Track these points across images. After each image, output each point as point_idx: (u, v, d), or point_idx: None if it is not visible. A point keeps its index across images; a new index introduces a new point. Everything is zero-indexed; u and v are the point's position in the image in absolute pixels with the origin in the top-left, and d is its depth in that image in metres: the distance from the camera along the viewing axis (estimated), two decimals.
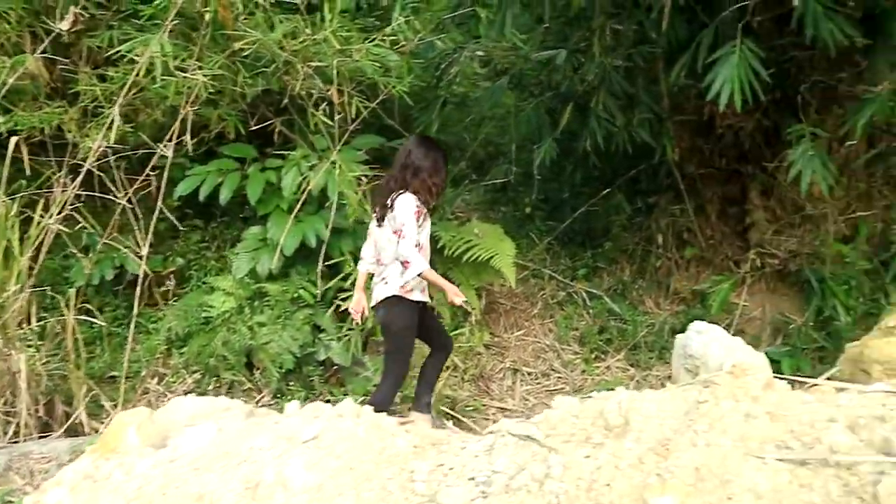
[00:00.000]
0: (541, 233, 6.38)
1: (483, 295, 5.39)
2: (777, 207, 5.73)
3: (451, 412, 4.64)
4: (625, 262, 6.09)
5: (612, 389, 5.01)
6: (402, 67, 4.63)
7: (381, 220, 3.59)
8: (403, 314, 3.56)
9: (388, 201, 3.49)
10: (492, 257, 4.77)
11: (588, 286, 5.92)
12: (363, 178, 4.66)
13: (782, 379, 1.40)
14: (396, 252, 3.42)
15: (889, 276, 5.07)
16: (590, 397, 1.59)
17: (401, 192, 3.47)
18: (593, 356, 5.38)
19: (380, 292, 3.59)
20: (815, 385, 1.37)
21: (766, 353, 5.06)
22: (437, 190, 3.57)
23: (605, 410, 1.40)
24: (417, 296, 3.57)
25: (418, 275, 3.38)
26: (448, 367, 4.78)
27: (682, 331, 5.59)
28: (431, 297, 3.91)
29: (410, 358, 3.73)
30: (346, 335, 4.64)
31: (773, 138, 5.33)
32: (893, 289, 5.01)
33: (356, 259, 4.15)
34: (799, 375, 3.89)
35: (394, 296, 3.52)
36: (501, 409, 4.98)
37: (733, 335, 5.64)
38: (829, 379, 1.68)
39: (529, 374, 5.32)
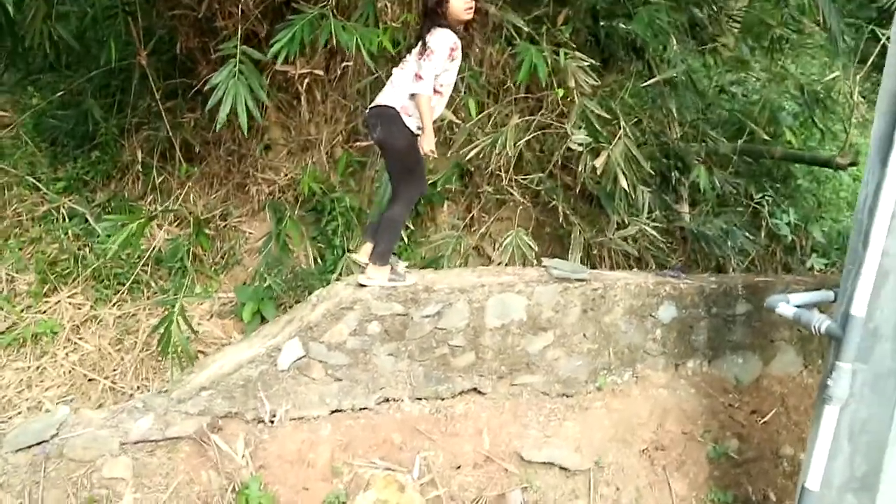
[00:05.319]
0: (34, 136, 5.33)
1: None
2: (292, 127, 5.18)
3: None
4: (130, 176, 5.28)
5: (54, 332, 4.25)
6: None
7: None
8: (403, 132, 3.31)
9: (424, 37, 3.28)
10: None
11: (75, 201, 5.05)
12: None
13: None
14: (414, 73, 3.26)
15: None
16: None
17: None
18: (46, 287, 4.60)
19: (386, 96, 3.34)
20: None
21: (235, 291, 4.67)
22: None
23: None
24: (413, 125, 3.32)
25: (413, 97, 3.24)
26: None
27: (175, 257, 5.00)
28: None
29: (424, 178, 3.51)
30: None
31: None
32: None
33: None
34: None
35: (394, 110, 3.28)
36: None
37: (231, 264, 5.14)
38: None
39: None
